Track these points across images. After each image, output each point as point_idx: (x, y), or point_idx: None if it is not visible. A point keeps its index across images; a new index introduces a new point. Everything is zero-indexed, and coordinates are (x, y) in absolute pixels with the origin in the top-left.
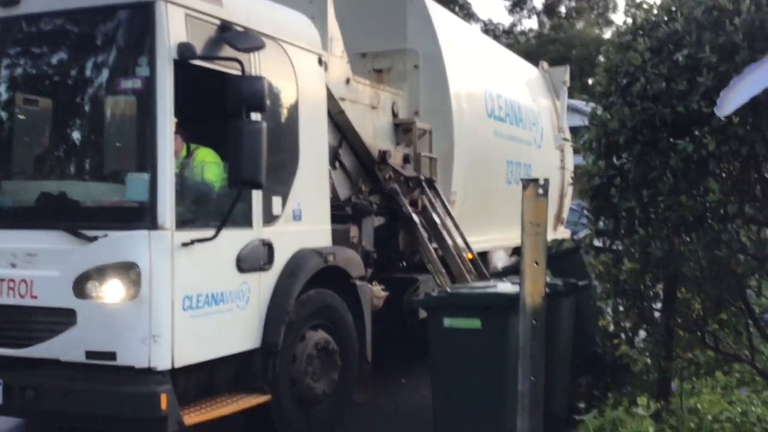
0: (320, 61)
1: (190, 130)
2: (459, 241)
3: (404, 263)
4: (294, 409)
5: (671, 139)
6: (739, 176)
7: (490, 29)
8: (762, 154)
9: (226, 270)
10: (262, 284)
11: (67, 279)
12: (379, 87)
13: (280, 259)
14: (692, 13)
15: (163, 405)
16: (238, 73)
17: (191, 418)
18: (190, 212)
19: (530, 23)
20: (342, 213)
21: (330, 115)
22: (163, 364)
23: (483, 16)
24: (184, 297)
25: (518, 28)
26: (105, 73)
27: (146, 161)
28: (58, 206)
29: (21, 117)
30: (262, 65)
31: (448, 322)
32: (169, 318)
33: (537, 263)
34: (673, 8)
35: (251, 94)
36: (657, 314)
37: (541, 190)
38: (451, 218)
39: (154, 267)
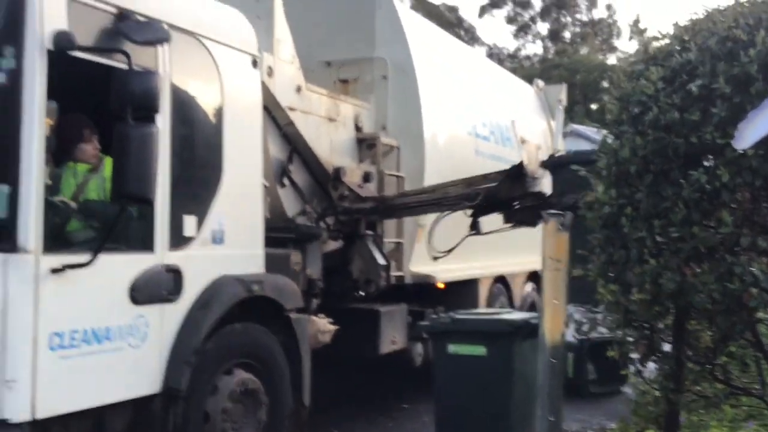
0: (254, 63)
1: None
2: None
3: (360, 293)
4: None
5: (684, 170)
6: (751, 208)
7: (495, 53)
8: None
9: (113, 301)
10: (167, 318)
11: None
12: (339, 98)
13: (193, 289)
14: (706, 43)
15: None
16: (125, 67)
17: None
18: (71, 232)
19: (535, 48)
20: (289, 237)
21: (278, 126)
22: (19, 415)
23: (488, 40)
24: (52, 334)
25: (523, 53)
26: None
27: (7, 170)
28: None
29: None
30: (175, 63)
31: (452, 348)
32: (30, 359)
33: (557, 300)
34: (686, 38)
35: (139, 91)
36: (666, 346)
37: (562, 225)
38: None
39: (11, 298)
